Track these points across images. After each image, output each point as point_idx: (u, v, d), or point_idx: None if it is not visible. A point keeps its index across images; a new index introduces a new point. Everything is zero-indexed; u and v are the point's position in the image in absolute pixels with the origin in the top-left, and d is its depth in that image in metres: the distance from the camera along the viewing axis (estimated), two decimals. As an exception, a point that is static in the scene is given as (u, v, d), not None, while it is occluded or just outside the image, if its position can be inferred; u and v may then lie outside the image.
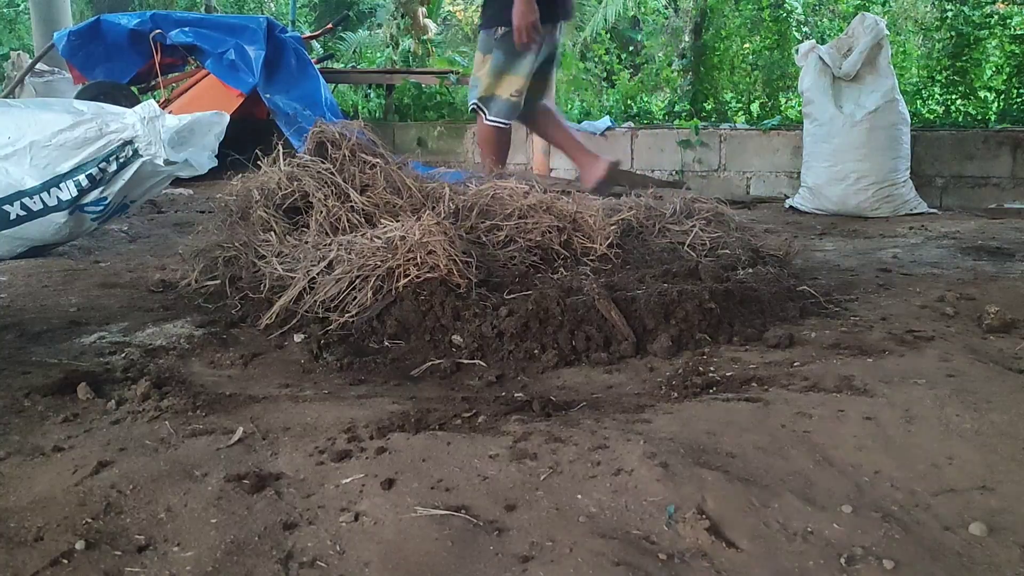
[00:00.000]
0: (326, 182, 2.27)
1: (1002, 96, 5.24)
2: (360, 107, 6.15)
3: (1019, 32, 5.23)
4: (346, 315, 1.87)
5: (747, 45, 6.19)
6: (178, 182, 4.26)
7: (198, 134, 2.83)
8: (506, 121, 3.55)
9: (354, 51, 10.15)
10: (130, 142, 2.65)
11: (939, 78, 5.38)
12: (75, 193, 2.64)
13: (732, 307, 1.94)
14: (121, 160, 2.66)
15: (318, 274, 1.97)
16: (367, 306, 1.87)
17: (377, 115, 6.00)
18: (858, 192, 4.11)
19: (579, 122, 5.38)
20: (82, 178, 2.63)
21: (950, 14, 5.32)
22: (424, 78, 5.91)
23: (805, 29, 5.97)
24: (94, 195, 2.68)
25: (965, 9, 5.21)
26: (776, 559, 0.96)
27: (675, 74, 6.72)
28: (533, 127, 4.03)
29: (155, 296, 2.25)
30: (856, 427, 1.34)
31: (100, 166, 2.61)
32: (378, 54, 8.51)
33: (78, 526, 1.04)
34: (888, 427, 1.34)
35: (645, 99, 6.32)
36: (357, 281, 1.91)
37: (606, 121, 5.26)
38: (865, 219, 4.05)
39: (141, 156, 2.67)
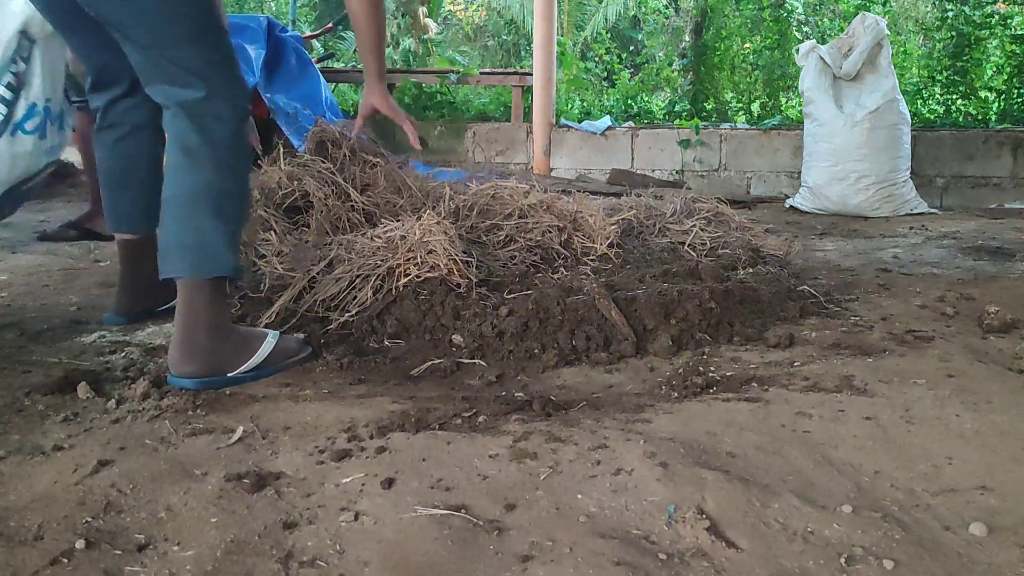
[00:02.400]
0: (326, 181, 2.27)
1: (1003, 96, 5.25)
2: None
3: (1020, 32, 5.23)
4: (346, 314, 1.86)
5: (748, 45, 6.20)
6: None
7: None
8: None
9: (355, 50, 10.16)
10: (23, 31, 2.29)
11: (939, 78, 5.38)
12: (3, 111, 2.37)
13: (732, 307, 1.94)
14: (23, 55, 2.30)
15: (318, 273, 1.97)
16: (367, 305, 1.87)
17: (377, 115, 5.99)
18: (858, 192, 4.11)
19: (579, 122, 5.37)
20: (2, 90, 2.34)
21: (951, 14, 5.32)
22: (424, 77, 5.91)
23: (806, 29, 5.97)
24: (22, 107, 2.40)
25: (966, 9, 5.22)
26: (776, 559, 0.96)
27: (675, 74, 6.73)
28: None
29: (155, 295, 2.24)
30: (856, 427, 1.34)
31: (11, 70, 2.27)
32: (379, 53, 8.48)
33: (78, 525, 1.04)
34: (888, 427, 1.34)
35: (645, 99, 6.31)
36: (357, 280, 1.91)
37: (606, 121, 5.26)
38: (865, 219, 4.05)
39: (36, 41, 2.30)
